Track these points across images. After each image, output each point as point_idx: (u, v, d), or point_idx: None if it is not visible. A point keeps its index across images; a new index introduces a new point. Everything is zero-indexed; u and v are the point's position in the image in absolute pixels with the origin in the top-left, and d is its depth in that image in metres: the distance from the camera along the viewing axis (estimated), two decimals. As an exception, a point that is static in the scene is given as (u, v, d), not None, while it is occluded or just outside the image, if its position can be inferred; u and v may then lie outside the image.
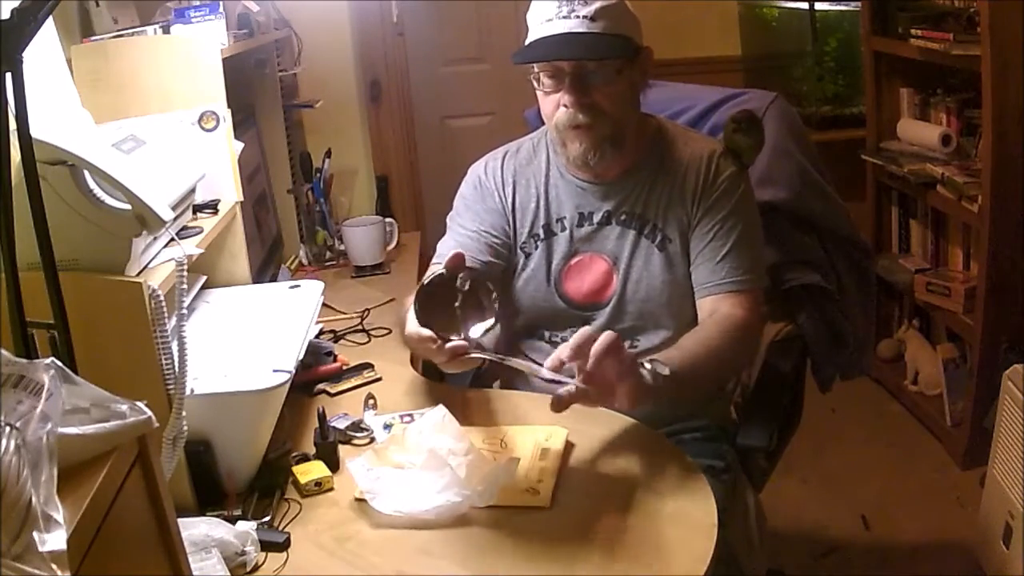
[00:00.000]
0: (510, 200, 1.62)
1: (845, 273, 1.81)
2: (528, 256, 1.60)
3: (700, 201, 1.53)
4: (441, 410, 1.33)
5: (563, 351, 1.22)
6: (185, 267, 1.19)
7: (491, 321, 1.30)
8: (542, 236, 1.59)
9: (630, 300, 1.56)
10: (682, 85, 1.97)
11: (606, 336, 1.21)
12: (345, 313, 2.00)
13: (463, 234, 1.59)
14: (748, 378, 1.77)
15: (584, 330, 1.24)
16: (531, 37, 1.50)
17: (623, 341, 1.28)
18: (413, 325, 1.31)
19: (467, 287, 1.28)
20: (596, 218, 1.57)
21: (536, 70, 1.50)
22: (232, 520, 1.20)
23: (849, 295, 1.82)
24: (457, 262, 1.30)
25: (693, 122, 1.82)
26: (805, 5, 3.32)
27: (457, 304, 1.28)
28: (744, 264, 1.51)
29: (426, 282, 1.31)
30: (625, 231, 1.56)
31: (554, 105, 1.50)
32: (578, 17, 1.45)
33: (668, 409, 1.49)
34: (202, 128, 1.59)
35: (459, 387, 1.63)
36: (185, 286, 1.19)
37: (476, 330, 1.30)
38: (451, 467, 1.23)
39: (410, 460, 1.27)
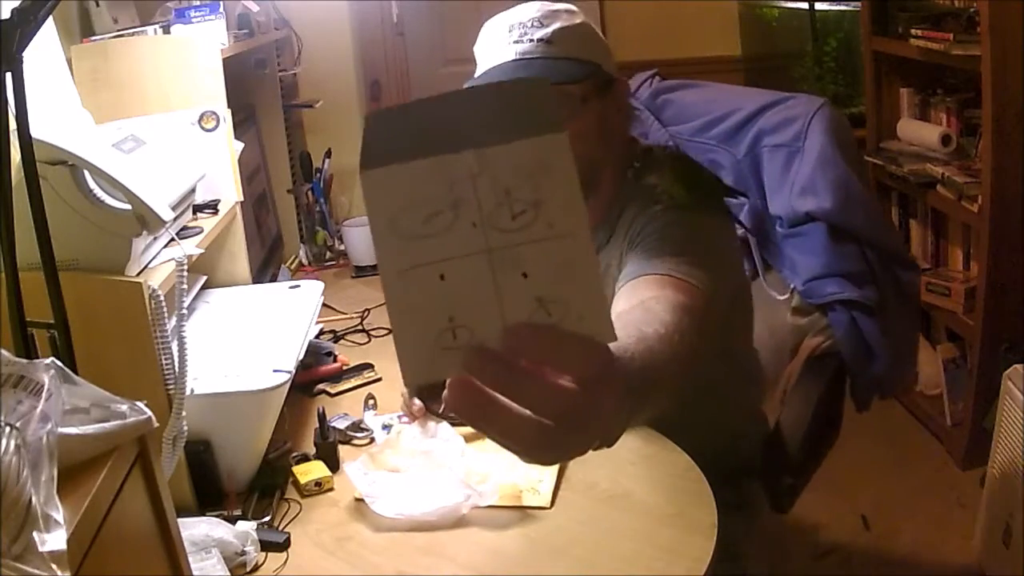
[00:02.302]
0: None
1: (887, 289, 1.71)
2: None
3: (627, 249, 1.32)
4: (433, 425, 1.34)
5: None
6: (185, 267, 1.19)
7: None
8: None
9: None
10: (724, 87, 1.84)
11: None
12: (345, 313, 2.00)
13: None
14: (783, 395, 1.69)
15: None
16: (480, 70, 1.33)
17: None
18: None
19: None
20: None
21: None
22: (232, 520, 1.20)
23: (890, 312, 1.71)
24: None
25: (733, 132, 1.67)
26: (805, 5, 3.32)
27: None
28: (675, 259, 1.20)
29: None
30: None
31: None
32: (533, 41, 1.28)
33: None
34: (202, 128, 1.59)
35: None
36: (185, 286, 1.19)
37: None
38: (450, 467, 1.23)
39: (405, 463, 1.27)
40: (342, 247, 2.40)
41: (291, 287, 1.66)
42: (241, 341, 1.42)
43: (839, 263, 1.67)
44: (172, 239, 1.30)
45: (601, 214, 1.38)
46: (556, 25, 1.29)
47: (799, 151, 1.64)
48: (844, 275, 1.67)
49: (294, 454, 1.37)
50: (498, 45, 1.30)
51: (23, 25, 0.87)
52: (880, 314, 1.70)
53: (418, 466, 1.26)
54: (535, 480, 1.26)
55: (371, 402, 1.54)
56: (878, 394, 1.80)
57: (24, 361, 0.74)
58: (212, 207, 1.53)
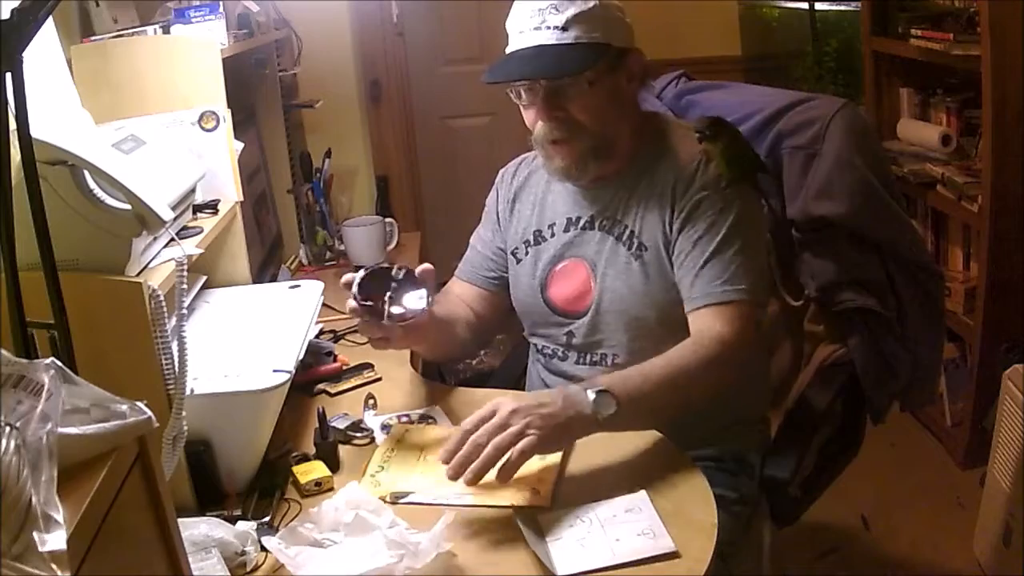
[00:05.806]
0: (509, 208, 1.63)
1: (909, 299, 1.67)
2: (519, 262, 1.60)
3: (678, 209, 1.45)
4: (354, 487, 1.21)
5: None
6: (185, 267, 1.19)
7: (423, 291, 1.40)
8: (532, 242, 1.59)
9: (607, 310, 1.50)
10: (749, 87, 1.86)
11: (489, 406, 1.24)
12: (345, 313, 1.99)
13: (475, 251, 1.68)
14: (792, 403, 1.67)
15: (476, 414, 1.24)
16: (508, 49, 1.46)
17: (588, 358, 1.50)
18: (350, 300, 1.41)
19: (401, 275, 1.40)
20: (581, 223, 1.54)
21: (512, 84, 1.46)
22: (232, 520, 1.20)
23: (912, 322, 1.67)
24: (425, 276, 1.41)
25: (755, 132, 1.68)
26: (805, 5, 3.32)
27: (390, 290, 1.39)
28: (725, 275, 1.41)
29: (367, 271, 1.42)
30: (605, 237, 1.51)
31: (533, 118, 1.47)
32: (549, 28, 1.39)
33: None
34: (202, 128, 1.59)
35: (457, 388, 1.62)
36: (185, 286, 1.19)
37: (409, 299, 1.39)
38: (380, 529, 1.12)
39: (327, 538, 1.13)
40: (342, 247, 2.40)
41: (291, 287, 1.66)
42: (241, 341, 1.42)
43: (855, 270, 1.64)
44: (172, 239, 1.30)
45: (622, 164, 1.52)
46: (570, 12, 1.40)
47: (818, 153, 1.62)
48: (860, 283, 1.64)
49: (294, 454, 1.37)
50: (521, 26, 1.43)
51: (23, 25, 0.87)
52: (900, 326, 1.65)
53: (348, 530, 1.13)
54: (535, 480, 1.26)
55: (371, 402, 1.54)
56: (900, 407, 1.74)
57: (24, 361, 0.74)
58: (212, 207, 1.54)
